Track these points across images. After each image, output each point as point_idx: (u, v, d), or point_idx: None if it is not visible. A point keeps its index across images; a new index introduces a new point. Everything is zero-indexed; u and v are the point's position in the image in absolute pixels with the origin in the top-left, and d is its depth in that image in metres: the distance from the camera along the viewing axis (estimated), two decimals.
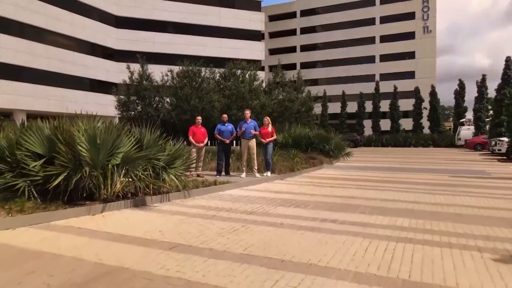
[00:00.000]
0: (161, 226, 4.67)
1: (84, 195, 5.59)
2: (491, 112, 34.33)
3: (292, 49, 60.36)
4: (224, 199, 6.77)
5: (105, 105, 29.93)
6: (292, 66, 52.10)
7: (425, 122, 43.20)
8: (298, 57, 59.53)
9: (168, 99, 24.51)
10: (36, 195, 5.25)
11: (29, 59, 29.37)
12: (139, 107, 24.27)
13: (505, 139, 20.05)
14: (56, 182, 5.09)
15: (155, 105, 24.50)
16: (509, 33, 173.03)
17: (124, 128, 6.26)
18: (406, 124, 44.68)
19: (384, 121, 45.58)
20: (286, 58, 54.27)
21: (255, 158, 9.93)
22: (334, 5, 56.99)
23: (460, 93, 41.61)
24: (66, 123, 5.76)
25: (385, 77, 52.29)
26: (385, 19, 54.56)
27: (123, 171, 5.81)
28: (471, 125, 37.32)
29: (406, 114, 46.30)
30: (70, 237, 4.17)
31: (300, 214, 5.42)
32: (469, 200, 6.77)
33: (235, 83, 24.59)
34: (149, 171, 6.22)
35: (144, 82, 24.06)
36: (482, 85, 38.00)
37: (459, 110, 41.84)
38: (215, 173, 9.96)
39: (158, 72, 25.30)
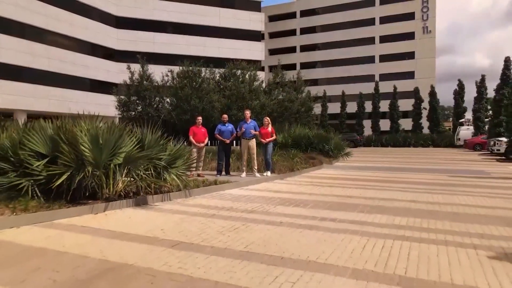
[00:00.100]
0: (163, 225, 4.75)
1: (87, 194, 5.67)
2: (490, 112, 34.43)
3: (292, 49, 60.45)
4: (224, 198, 6.85)
5: (105, 105, 29.99)
6: (292, 66, 52.19)
7: (425, 122, 43.28)
8: (298, 57, 59.61)
9: (168, 99, 24.58)
10: (39, 194, 5.33)
11: (29, 59, 29.43)
12: (139, 107, 24.34)
13: (504, 139, 20.15)
14: (59, 181, 5.17)
15: (155, 105, 24.58)
16: (509, 33, 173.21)
17: (126, 128, 6.34)
18: (406, 124, 44.76)
19: (383, 121, 45.66)
20: (286, 58, 54.37)
21: (255, 158, 10.01)
22: (334, 5, 57.07)
23: (459, 93, 41.70)
24: (68, 123, 5.84)
25: (384, 77, 52.37)
26: (384, 20, 54.64)
27: (125, 171, 5.89)
28: (470, 125, 37.42)
29: (405, 114, 46.38)
30: (73, 235, 4.25)
31: (300, 213, 5.50)
32: (466, 199, 6.85)
33: (235, 83, 24.67)
34: (151, 170, 6.30)
35: (145, 82, 24.14)
36: (481, 85, 38.10)
37: (458, 110, 41.94)
38: (215, 172, 10.04)
39: (158, 72, 25.38)
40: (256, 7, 44.44)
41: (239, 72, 25.45)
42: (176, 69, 24.75)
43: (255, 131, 10.06)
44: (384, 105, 45.77)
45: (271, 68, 44.00)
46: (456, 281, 2.95)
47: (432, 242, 4.03)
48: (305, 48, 59.64)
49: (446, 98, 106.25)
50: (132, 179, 6.10)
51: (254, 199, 6.80)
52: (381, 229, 4.56)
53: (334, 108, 49.15)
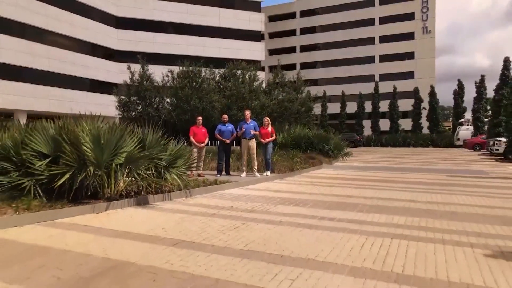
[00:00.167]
0: (164, 224, 4.81)
1: (89, 193, 5.73)
2: (489, 112, 34.50)
3: (291, 50, 60.52)
4: (224, 198, 6.90)
5: (105, 105, 30.02)
6: (292, 67, 52.28)
7: (424, 122, 43.36)
8: (297, 58, 59.68)
9: (168, 100, 24.64)
10: (41, 194, 5.39)
11: (29, 59, 29.49)
12: (139, 108, 24.40)
13: (503, 139, 20.21)
14: (62, 180, 5.23)
15: (155, 106, 24.63)
16: (509, 33, 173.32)
17: (127, 129, 6.39)
18: (405, 124, 44.83)
19: (383, 121, 45.74)
20: (286, 59, 54.45)
21: (255, 158, 10.07)
22: (334, 5, 57.15)
23: (459, 93, 41.79)
24: (70, 124, 5.90)
25: (384, 77, 52.45)
26: (384, 20, 54.72)
27: (126, 171, 5.94)
28: (470, 125, 37.50)
29: (405, 114, 46.47)
30: (76, 234, 4.31)
31: (299, 212, 5.55)
32: (465, 198, 6.91)
33: (235, 83, 24.74)
34: (152, 170, 6.36)
35: (145, 82, 24.20)
36: (481, 86, 38.19)
37: (458, 110, 42.02)
38: (215, 172, 10.10)
39: (158, 73, 25.45)
40: (256, 7, 44.51)
41: (239, 72, 25.52)
42: (176, 69, 24.82)
43: (255, 131, 10.12)
44: (384, 105, 45.85)
45: (271, 68, 44.08)
46: (453, 278, 3.01)
47: (429, 240, 4.08)
48: (305, 48, 59.72)
49: (446, 98, 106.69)
50: (133, 178, 6.16)
51: (254, 198, 6.85)
52: (379, 228, 4.62)
53: (334, 108, 49.22)
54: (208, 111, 22.74)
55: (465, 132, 35.53)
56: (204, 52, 38.03)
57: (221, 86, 25.41)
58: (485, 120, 35.91)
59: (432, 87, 43.68)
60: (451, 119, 49.32)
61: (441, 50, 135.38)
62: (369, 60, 55.37)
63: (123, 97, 24.56)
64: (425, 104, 43.51)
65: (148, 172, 6.31)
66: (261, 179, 9.53)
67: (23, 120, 8.13)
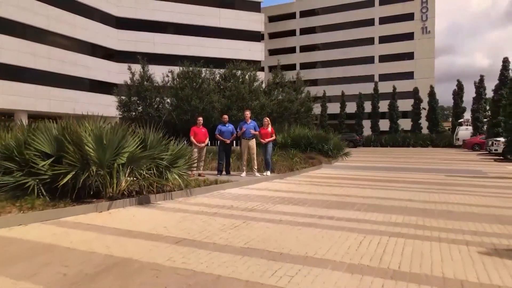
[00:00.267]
0: (166, 223, 4.90)
1: (91, 193, 5.82)
2: (488, 112, 34.60)
3: (291, 50, 60.61)
4: (225, 197, 6.99)
5: (106, 106, 30.10)
6: (291, 67, 52.38)
7: (424, 123, 43.43)
8: (297, 58, 59.77)
9: (168, 100, 24.71)
10: (44, 193, 5.48)
11: (30, 59, 29.58)
12: (140, 108, 24.46)
13: (502, 139, 20.30)
14: (65, 180, 5.31)
15: (156, 106, 24.70)
16: (509, 33, 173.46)
17: (129, 129, 6.48)
18: (405, 124, 44.91)
19: (383, 121, 45.82)
20: (286, 59, 54.51)
21: (255, 158, 10.15)
22: (334, 6, 57.22)
23: (458, 94, 41.87)
24: (73, 124, 5.98)
25: (384, 77, 52.53)
26: (384, 20, 54.81)
27: (128, 170, 6.03)
28: (469, 125, 37.60)
29: (405, 115, 46.56)
30: (80, 232, 4.40)
31: (298, 211, 5.64)
32: (462, 198, 7.00)
33: (235, 84, 24.81)
34: (153, 170, 6.44)
35: (145, 83, 24.26)
36: (480, 86, 38.27)
37: (457, 110, 42.11)
38: (216, 172, 10.19)
39: (158, 73, 25.51)
40: (256, 8, 44.59)
41: (239, 72, 25.59)
42: (176, 69, 24.88)
43: (255, 131, 10.21)
44: (383, 105, 45.94)
45: (271, 68, 44.12)
46: (447, 274, 3.10)
47: (426, 239, 4.17)
48: (304, 49, 59.80)
49: (446, 98, 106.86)
50: (135, 178, 6.25)
51: (254, 198, 6.94)
52: (377, 227, 4.71)
53: (333, 108, 49.31)
54: (208, 111, 22.81)
55: (465, 132, 35.63)
56: (204, 52, 38.10)
57: (221, 87, 25.48)
58: (484, 120, 36.02)
59: (431, 87, 43.77)
60: (450, 119, 49.40)
61: (441, 50, 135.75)
62: (369, 60, 55.46)
63: (123, 97, 24.62)
64: (424, 104, 43.59)
65: (149, 171, 6.40)
66: (261, 179, 9.61)
67: (25, 120, 8.22)
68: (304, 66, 56.98)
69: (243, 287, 2.84)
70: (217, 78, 26.03)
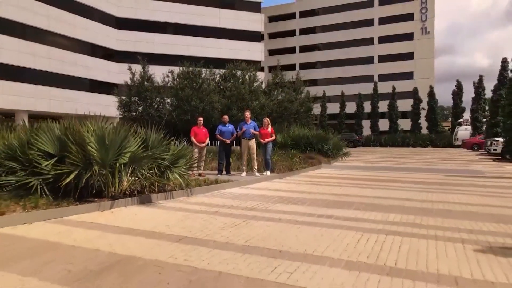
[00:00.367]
0: (167, 221, 4.98)
1: (93, 192, 5.90)
2: (487, 112, 34.70)
3: (291, 50, 60.72)
4: (225, 197, 7.07)
5: (106, 106, 30.18)
6: (291, 67, 52.48)
7: (423, 123, 43.56)
8: (297, 58, 59.87)
9: (169, 100, 24.77)
10: (47, 193, 5.56)
11: (30, 60, 29.66)
12: (140, 108, 24.53)
13: (500, 139, 20.40)
14: (68, 180, 5.39)
15: (156, 106, 24.77)
16: (509, 33, 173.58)
17: (130, 129, 6.56)
18: (405, 124, 45.03)
19: (382, 122, 45.94)
20: (286, 59, 54.59)
21: (255, 158, 10.24)
22: (333, 6, 57.35)
23: (458, 94, 41.99)
24: (76, 124, 6.07)
25: (383, 77, 52.65)
26: (384, 20, 54.94)
27: (130, 170, 6.12)
28: (469, 125, 37.70)
29: (404, 115, 46.68)
30: (83, 231, 4.48)
31: (298, 211, 5.73)
32: (460, 197, 7.08)
33: (235, 84, 24.87)
34: (154, 170, 6.53)
35: (145, 83, 24.32)
36: (479, 86, 38.38)
37: (457, 110, 42.23)
38: (216, 172, 10.27)
39: (158, 73, 25.58)
40: (256, 8, 44.67)
41: (239, 73, 25.66)
42: (177, 69, 24.95)
43: (255, 131, 10.29)
44: (383, 106, 46.06)
45: (271, 68, 44.21)
46: (442, 271, 3.18)
47: (422, 237, 4.26)
48: (304, 49, 59.91)
49: (446, 98, 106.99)
50: (136, 178, 6.33)
51: (254, 197, 7.02)
52: (375, 225, 4.79)
53: (333, 108, 49.42)
54: (208, 111, 22.88)
55: (464, 132, 35.74)
56: (204, 52, 38.17)
57: (221, 87, 25.54)
58: (483, 120, 36.12)
59: (431, 88, 43.90)
60: (450, 119, 49.51)
61: (441, 50, 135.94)
62: (369, 60, 55.58)
63: (123, 97, 24.69)
64: (424, 105, 43.71)
65: (151, 171, 6.48)
66: (261, 178, 9.70)
67: (26, 120, 8.30)
68: (304, 66, 57.09)
69: (243, 283, 2.92)
70: (217, 78, 26.09)
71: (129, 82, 24.65)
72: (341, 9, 56.98)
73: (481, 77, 38.58)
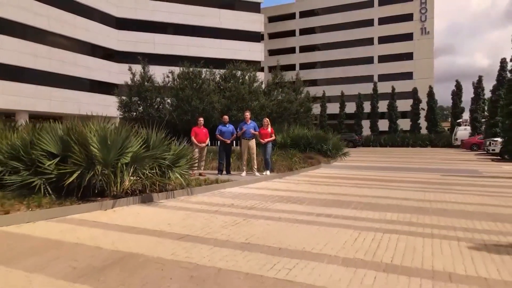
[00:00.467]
0: (169, 220, 5.07)
1: (96, 191, 5.99)
2: (486, 112, 34.80)
3: (291, 50, 60.80)
4: (225, 196, 7.16)
5: (106, 106, 30.24)
6: (291, 67, 52.59)
7: (423, 123, 43.65)
8: (297, 58, 59.96)
9: (169, 100, 24.85)
10: (50, 192, 5.64)
11: (31, 60, 29.73)
12: (140, 108, 24.61)
13: (499, 139, 20.50)
14: (71, 179, 5.49)
15: (156, 106, 24.85)
16: (509, 33, 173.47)
17: (132, 129, 6.65)
18: (404, 124, 45.12)
19: (382, 122, 46.02)
20: (285, 59, 54.67)
21: (255, 157, 10.32)
22: (333, 6, 57.43)
23: (457, 94, 42.08)
24: (78, 125, 6.16)
25: (383, 77, 52.72)
26: (383, 21, 55.02)
27: (132, 170, 6.20)
28: (468, 125, 37.79)
29: (404, 115, 46.76)
30: (86, 229, 4.57)
31: (297, 210, 5.82)
32: (456, 197, 7.17)
33: (235, 84, 24.96)
34: (156, 169, 6.61)
35: (146, 83, 24.41)
36: (478, 86, 38.47)
37: (456, 110, 42.33)
38: (216, 172, 10.36)
39: (159, 73, 25.66)
40: (256, 8, 44.75)
41: (239, 73, 25.74)
42: (177, 70, 25.03)
43: (255, 131, 10.38)
44: (382, 106, 46.14)
45: (271, 68, 44.29)
46: (437, 267, 3.27)
47: (419, 235, 4.35)
48: (304, 49, 59.99)
49: (446, 98, 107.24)
50: (138, 177, 6.42)
51: (254, 196, 7.11)
52: (372, 224, 4.88)
53: (333, 108, 49.50)
54: (208, 111, 22.96)
55: (463, 132, 35.83)
56: (204, 52, 38.24)
57: (221, 87, 25.63)
58: (483, 120, 36.21)
59: (430, 88, 43.99)
60: (449, 119, 49.61)
61: (440, 50, 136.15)
62: (368, 60, 55.66)
63: (124, 97, 24.77)
64: (423, 105, 43.80)
65: (152, 171, 6.56)
66: (261, 178, 9.79)
67: (27, 121, 8.39)
68: (304, 66, 57.19)
69: (243, 279, 3.01)
70: (217, 78, 26.18)
71: (129, 82, 24.73)
72: (341, 9, 57.06)
73: (480, 77, 38.67)
